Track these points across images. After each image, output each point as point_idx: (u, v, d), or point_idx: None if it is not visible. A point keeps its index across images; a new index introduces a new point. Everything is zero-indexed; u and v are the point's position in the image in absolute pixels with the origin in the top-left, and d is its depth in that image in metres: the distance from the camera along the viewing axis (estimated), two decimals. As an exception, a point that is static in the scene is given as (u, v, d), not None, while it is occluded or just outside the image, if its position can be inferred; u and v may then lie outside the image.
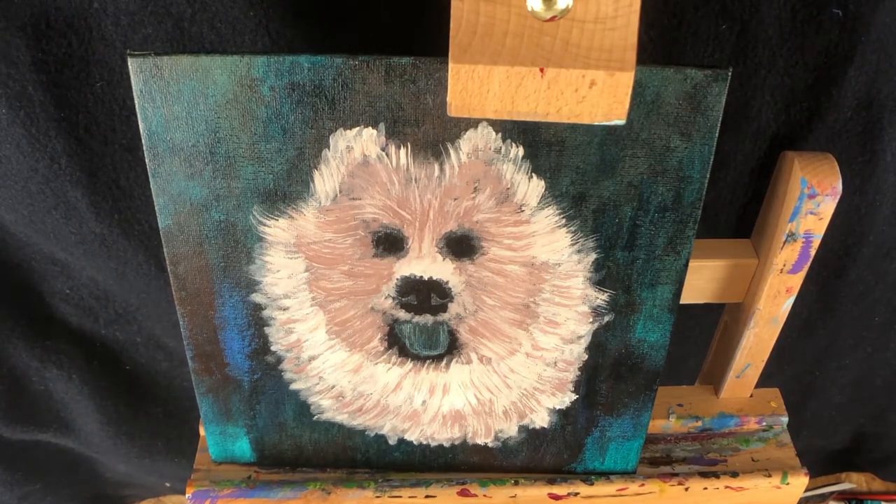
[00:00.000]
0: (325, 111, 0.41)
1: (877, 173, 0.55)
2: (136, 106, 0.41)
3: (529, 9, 0.33)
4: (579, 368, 0.52)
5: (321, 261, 0.47)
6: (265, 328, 0.50)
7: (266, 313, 0.49)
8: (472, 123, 0.41)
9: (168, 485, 0.89)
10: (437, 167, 0.43)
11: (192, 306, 0.49)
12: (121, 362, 0.70)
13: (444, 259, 0.46)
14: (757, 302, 0.53)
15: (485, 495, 0.57)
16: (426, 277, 0.47)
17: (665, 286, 0.48)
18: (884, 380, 0.77)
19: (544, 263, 0.47)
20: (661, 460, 0.59)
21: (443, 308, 0.48)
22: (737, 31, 0.47)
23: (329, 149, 0.42)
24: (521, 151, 0.42)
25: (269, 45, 0.46)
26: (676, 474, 0.58)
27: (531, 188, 0.44)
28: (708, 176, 0.43)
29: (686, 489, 0.58)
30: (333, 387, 0.53)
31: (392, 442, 0.56)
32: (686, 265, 0.47)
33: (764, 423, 0.61)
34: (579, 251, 0.46)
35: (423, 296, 0.48)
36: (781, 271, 0.51)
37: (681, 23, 0.46)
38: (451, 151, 0.42)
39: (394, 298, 0.48)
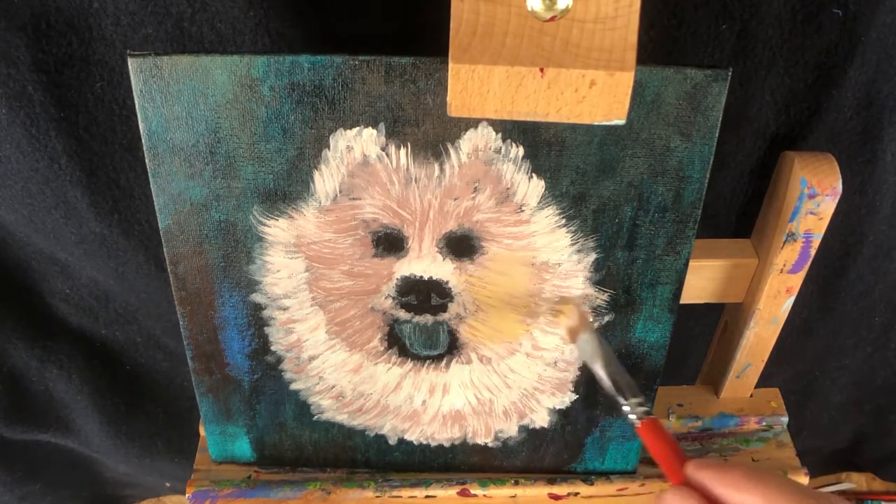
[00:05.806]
0: (325, 111, 0.41)
1: (877, 173, 0.55)
2: (136, 106, 0.41)
3: (529, 9, 0.33)
4: (579, 368, 0.52)
5: (321, 261, 0.47)
6: (265, 328, 0.50)
7: (266, 313, 0.49)
8: (472, 123, 0.41)
9: (168, 485, 0.89)
10: (437, 167, 0.43)
11: (192, 306, 0.49)
12: (121, 362, 0.70)
13: (444, 259, 0.46)
14: (757, 302, 0.53)
15: (485, 495, 0.57)
16: (426, 277, 0.47)
17: (665, 286, 0.48)
18: (884, 380, 0.77)
19: (544, 263, 0.47)
20: (661, 460, 0.59)
21: (443, 308, 0.48)
22: (737, 31, 0.47)
23: (329, 149, 0.42)
24: (521, 151, 0.42)
25: (269, 45, 0.46)
26: (676, 474, 0.58)
27: (531, 188, 0.44)
28: (708, 176, 0.43)
29: (686, 489, 0.57)
30: (333, 387, 0.53)
31: (392, 442, 0.56)
32: (686, 265, 0.47)
33: (764, 423, 0.61)
34: (579, 251, 0.46)
35: (424, 296, 0.48)
36: (781, 271, 0.51)
37: (681, 23, 0.46)
38: (451, 151, 0.42)
39: (394, 298, 0.48)
